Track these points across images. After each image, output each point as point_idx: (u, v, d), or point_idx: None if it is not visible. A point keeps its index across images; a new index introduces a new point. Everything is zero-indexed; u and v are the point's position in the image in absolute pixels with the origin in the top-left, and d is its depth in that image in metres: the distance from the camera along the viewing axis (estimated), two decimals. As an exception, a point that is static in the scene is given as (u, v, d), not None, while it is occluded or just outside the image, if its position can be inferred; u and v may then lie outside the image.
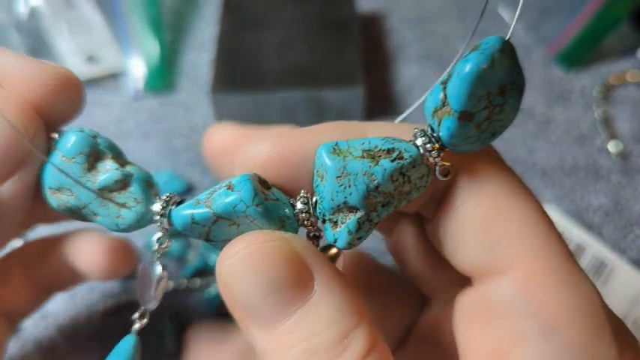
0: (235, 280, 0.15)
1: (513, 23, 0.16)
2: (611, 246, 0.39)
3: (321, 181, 0.16)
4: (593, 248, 0.39)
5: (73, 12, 0.52)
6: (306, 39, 0.47)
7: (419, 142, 0.16)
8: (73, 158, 0.18)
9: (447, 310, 0.19)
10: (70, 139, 0.18)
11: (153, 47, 0.49)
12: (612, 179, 0.42)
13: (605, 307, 0.15)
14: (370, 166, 0.15)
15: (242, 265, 0.15)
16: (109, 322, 0.35)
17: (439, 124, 0.16)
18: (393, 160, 0.15)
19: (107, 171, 0.18)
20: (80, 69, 0.49)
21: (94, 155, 0.18)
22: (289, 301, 0.15)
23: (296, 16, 0.49)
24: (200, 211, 0.17)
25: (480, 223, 0.16)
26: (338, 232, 0.16)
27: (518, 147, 0.44)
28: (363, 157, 0.16)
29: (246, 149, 0.17)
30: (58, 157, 0.18)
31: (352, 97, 0.44)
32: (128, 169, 0.18)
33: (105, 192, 0.18)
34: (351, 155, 0.16)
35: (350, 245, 0.16)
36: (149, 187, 0.18)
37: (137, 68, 0.49)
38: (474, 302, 0.16)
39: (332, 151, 0.16)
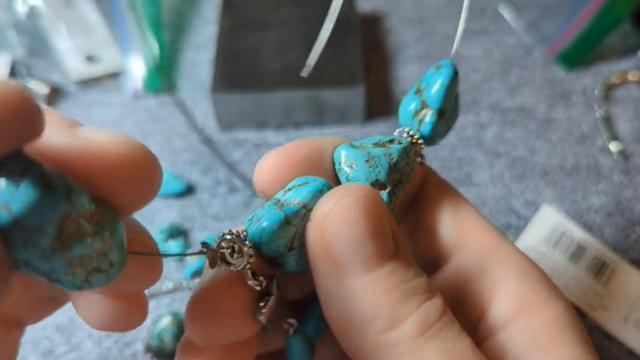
0: (338, 225, 0.16)
1: (455, 46, 0.21)
2: (613, 246, 0.39)
3: (351, 169, 0.19)
4: (594, 248, 0.38)
5: (72, 11, 0.52)
6: (306, 39, 0.47)
7: (405, 135, 0.21)
8: (39, 229, 0.12)
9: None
10: (23, 199, 0.12)
11: (152, 47, 0.49)
12: (614, 179, 0.42)
13: None
14: (386, 150, 0.20)
15: (347, 211, 0.16)
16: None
17: (420, 122, 0.21)
18: (397, 144, 0.20)
19: (84, 237, 0.13)
20: (79, 69, 0.49)
21: (67, 216, 0.13)
22: (387, 247, 0.16)
23: (296, 16, 0.48)
24: (290, 208, 0.17)
25: (449, 210, 0.21)
26: None
27: (520, 147, 0.44)
28: (375, 146, 0.20)
29: (263, 164, 0.19)
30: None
31: (352, 97, 0.44)
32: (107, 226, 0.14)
33: (76, 262, 0.13)
34: (367, 147, 0.20)
35: None
36: (124, 242, 0.15)
37: (136, 68, 0.49)
38: (450, 272, 0.20)
39: (352, 147, 0.20)
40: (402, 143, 0.20)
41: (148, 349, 0.34)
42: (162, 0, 0.53)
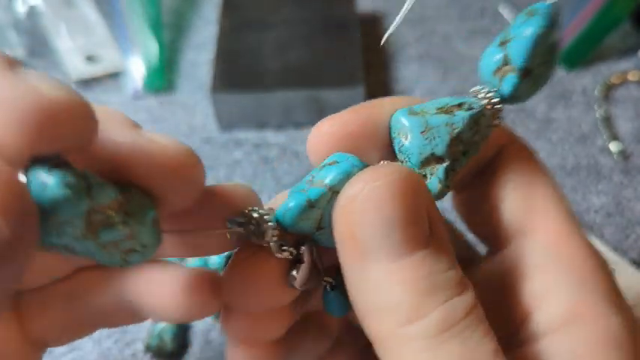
0: (364, 210, 0.15)
1: None
2: (613, 246, 0.39)
3: (405, 140, 0.17)
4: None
5: (72, 11, 0.52)
6: (306, 39, 0.47)
7: (481, 95, 0.18)
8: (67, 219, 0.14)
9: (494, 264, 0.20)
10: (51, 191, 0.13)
11: (152, 47, 0.49)
12: (614, 179, 0.42)
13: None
14: (449, 118, 0.17)
15: (374, 196, 0.15)
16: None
17: (500, 81, 0.18)
18: (467, 110, 0.17)
19: (112, 225, 0.14)
20: (79, 68, 0.49)
21: (92, 207, 0.14)
22: (416, 237, 0.15)
23: (296, 16, 0.48)
24: (314, 191, 0.16)
25: (521, 188, 0.19)
26: (429, 183, 0.18)
27: (519, 147, 0.44)
28: (438, 113, 0.17)
29: (316, 132, 0.18)
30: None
31: (352, 97, 0.44)
32: (132, 212, 0.15)
33: (109, 245, 0.15)
34: (428, 113, 0.17)
35: (441, 194, 0.18)
36: (157, 225, 0.16)
37: (136, 68, 0.49)
38: (509, 258, 0.19)
39: (410, 112, 0.17)
40: (472, 108, 0.17)
41: (148, 348, 0.34)
42: (162, 0, 0.53)
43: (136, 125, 0.16)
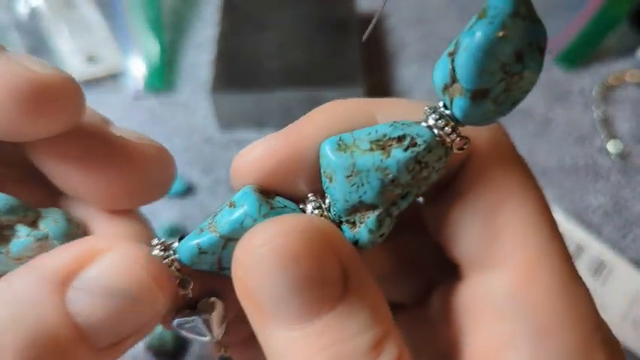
0: (261, 273, 0.13)
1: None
2: (611, 246, 0.39)
3: (331, 182, 0.15)
4: (592, 248, 0.39)
5: (73, 12, 0.52)
6: (306, 39, 0.47)
7: (431, 122, 0.14)
8: None
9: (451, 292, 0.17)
10: None
11: (153, 47, 0.49)
12: (612, 179, 0.42)
13: (596, 311, 0.15)
14: (382, 160, 0.14)
15: (270, 258, 0.13)
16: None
17: (451, 102, 0.14)
18: (406, 149, 0.14)
19: (19, 239, 0.15)
20: (80, 69, 0.49)
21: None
22: (322, 299, 0.13)
23: (296, 16, 0.49)
24: (205, 238, 0.15)
25: (483, 213, 0.15)
26: (358, 232, 0.15)
27: (518, 147, 0.44)
28: (372, 149, 0.14)
29: (238, 159, 0.16)
30: None
31: (352, 97, 0.44)
32: (42, 227, 0.15)
33: (24, 259, 0.15)
34: (359, 149, 0.14)
35: (373, 244, 0.15)
36: (72, 238, 0.16)
37: (137, 68, 0.49)
38: (467, 295, 0.16)
39: (337, 147, 0.15)
40: (414, 145, 0.14)
41: (149, 348, 0.34)
42: (162, 0, 0.53)
43: (107, 120, 0.16)
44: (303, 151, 0.15)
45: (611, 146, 0.44)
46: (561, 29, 0.48)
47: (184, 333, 0.17)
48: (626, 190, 0.42)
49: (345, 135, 0.15)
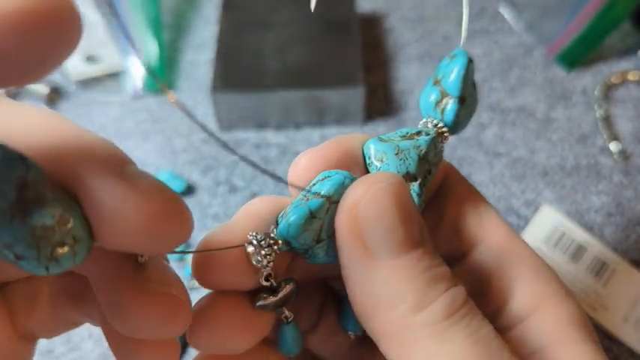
0: (370, 210, 0.16)
1: (463, 38, 0.21)
2: (613, 246, 0.39)
3: (382, 162, 0.20)
4: (594, 249, 0.38)
5: (72, 12, 0.52)
6: (306, 39, 0.47)
7: (430, 126, 0.21)
8: None
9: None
10: None
11: (152, 47, 0.49)
12: (614, 179, 0.42)
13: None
14: (414, 142, 0.20)
15: (379, 197, 0.16)
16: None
17: (442, 112, 0.21)
18: (426, 135, 0.20)
19: (43, 206, 0.13)
20: (79, 69, 0.49)
21: (22, 182, 0.13)
22: (415, 235, 0.17)
23: (296, 16, 0.48)
24: (312, 202, 0.18)
25: (468, 209, 0.22)
26: None
27: (520, 147, 0.44)
28: (404, 139, 0.20)
29: (295, 167, 0.19)
30: None
31: (352, 97, 0.44)
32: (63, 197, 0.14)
33: (38, 229, 0.13)
34: (396, 140, 0.20)
35: (420, 208, 0.20)
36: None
37: (136, 68, 0.49)
38: (469, 264, 0.21)
39: (380, 140, 0.20)
40: (429, 134, 0.20)
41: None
42: (162, 0, 0.53)
43: (126, 162, 0.15)
44: (352, 151, 0.20)
45: (613, 146, 0.44)
46: (563, 29, 0.48)
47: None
48: (629, 191, 0.42)
49: (381, 136, 0.20)
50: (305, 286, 0.23)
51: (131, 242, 0.14)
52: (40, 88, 0.47)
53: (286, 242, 0.18)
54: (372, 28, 0.54)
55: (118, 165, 0.14)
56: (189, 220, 0.15)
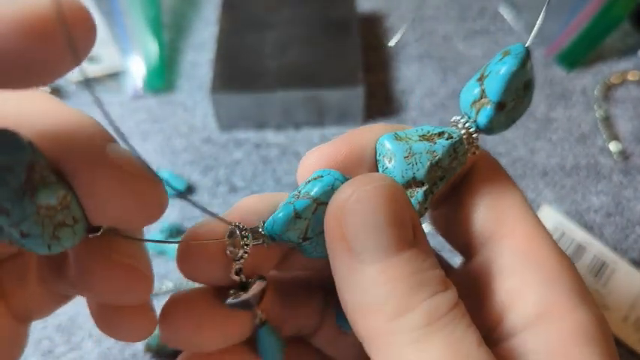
0: (355, 212, 0.16)
1: (533, 33, 0.19)
2: (613, 246, 0.39)
3: (389, 163, 0.19)
4: (594, 248, 0.38)
5: (72, 12, 0.52)
6: (306, 39, 0.47)
7: (460, 126, 0.19)
8: (7, 169, 0.14)
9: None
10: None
11: (152, 47, 0.49)
12: (613, 179, 0.42)
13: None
14: (431, 146, 0.19)
15: (365, 198, 0.16)
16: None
17: (477, 113, 0.19)
18: (447, 139, 0.19)
19: (48, 187, 0.15)
20: (79, 69, 0.49)
21: (31, 165, 0.15)
22: (404, 237, 0.16)
23: (296, 16, 0.49)
24: (299, 202, 0.18)
25: (490, 203, 0.20)
26: None
27: (520, 147, 0.44)
28: (421, 140, 0.19)
29: (305, 163, 0.19)
30: None
31: (352, 97, 0.44)
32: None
33: (43, 208, 0.15)
34: (411, 140, 0.19)
35: (419, 215, 0.19)
36: None
37: (136, 68, 0.49)
38: (482, 262, 0.20)
39: (395, 138, 0.19)
40: (451, 138, 0.19)
41: (148, 349, 0.34)
42: (162, 0, 0.53)
43: (109, 139, 0.16)
44: (364, 146, 0.19)
45: (613, 146, 0.44)
46: (562, 29, 0.48)
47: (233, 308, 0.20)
48: (628, 190, 0.42)
49: (398, 132, 0.19)
50: (306, 284, 0.24)
51: (112, 219, 0.16)
52: (40, 87, 0.47)
53: (271, 238, 0.18)
54: (372, 28, 0.54)
55: (101, 145, 0.16)
56: (162, 197, 0.17)
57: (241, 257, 0.18)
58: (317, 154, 0.19)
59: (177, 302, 0.20)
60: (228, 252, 0.18)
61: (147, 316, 0.19)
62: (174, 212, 0.41)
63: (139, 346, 0.35)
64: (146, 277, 0.18)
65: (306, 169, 0.19)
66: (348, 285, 0.17)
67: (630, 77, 0.48)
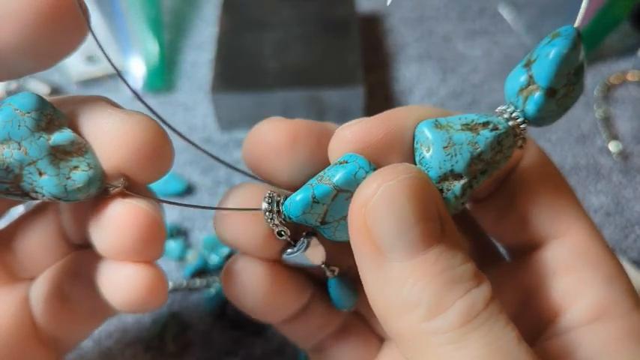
0: (380, 209, 0.16)
1: (581, 12, 0.18)
2: (612, 246, 0.39)
3: (427, 152, 0.18)
4: (593, 248, 0.38)
5: (72, 12, 0.52)
6: (306, 39, 0.47)
7: (506, 116, 0.18)
8: (28, 113, 0.16)
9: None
10: (24, 95, 0.17)
11: (152, 47, 0.49)
12: (613, 179, 0.42)
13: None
14: (473, 136, 0.17)
15: (389, 194, 0.15)
16: (108, 320, 0.35)
17: (525, 101, 0.18)
18: (491, 131, 0.18)
19: (63, 132, 0.17)
20: (79, 69, 0.49)
21: (50, 117, 0.17)
22: (432, 232, 0.16)
23: (296, 16, 0.49)
24: (320, 188, 0.17)
25: (547, 201, 0.20)
26: (445, 198, 0.18)
27: (519, 147, 0.44)
28: (463, 129, 0.18)
29: (339, 133, 0.18)
30: (10, 109, 0.16)
31: (352, 97, 0.44)
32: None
33: (59, 151, 0.17)
34: (453, 129, 0.18)
35: (455, 209, 0.18)
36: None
37: (136, 68, 0.49)
38: (540, 260, 0.20)
39: (435, 126, 0.18)
40: (497, 129, 0.18)
41: (149, 348, 0.34)
42: (162, 0, 0.53)
43: (109, 103, 0.19)
44: (402, 131, 0.18)
45: (613, 146, 0.44)
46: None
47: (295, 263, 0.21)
48: (628, 190, 0.42)
49: (440, 118, 0.18)
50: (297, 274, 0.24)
51: (128, 168, 0.18)
52: (41, 87, 0.48)
53: (290, 218, 0.18)
54: (372, 28, 0.54)
55: (108, 104, 0.19)
56: (170, 148, 0.19)
57: (277, 224, 0.19)
58: (353, 130, 0.18)
59: (242, 259, 0.21)
60: (265, 220, 0.19)
61: (156, 273, 0.19)
62: (174, 212, 0.41)
63: (139, 346, 0.35)
64: (160, 228, 0.18)
65: (339, 141, 0.18)
66: (376, 284, 0.16)
67: (630, 77, 0.48)
